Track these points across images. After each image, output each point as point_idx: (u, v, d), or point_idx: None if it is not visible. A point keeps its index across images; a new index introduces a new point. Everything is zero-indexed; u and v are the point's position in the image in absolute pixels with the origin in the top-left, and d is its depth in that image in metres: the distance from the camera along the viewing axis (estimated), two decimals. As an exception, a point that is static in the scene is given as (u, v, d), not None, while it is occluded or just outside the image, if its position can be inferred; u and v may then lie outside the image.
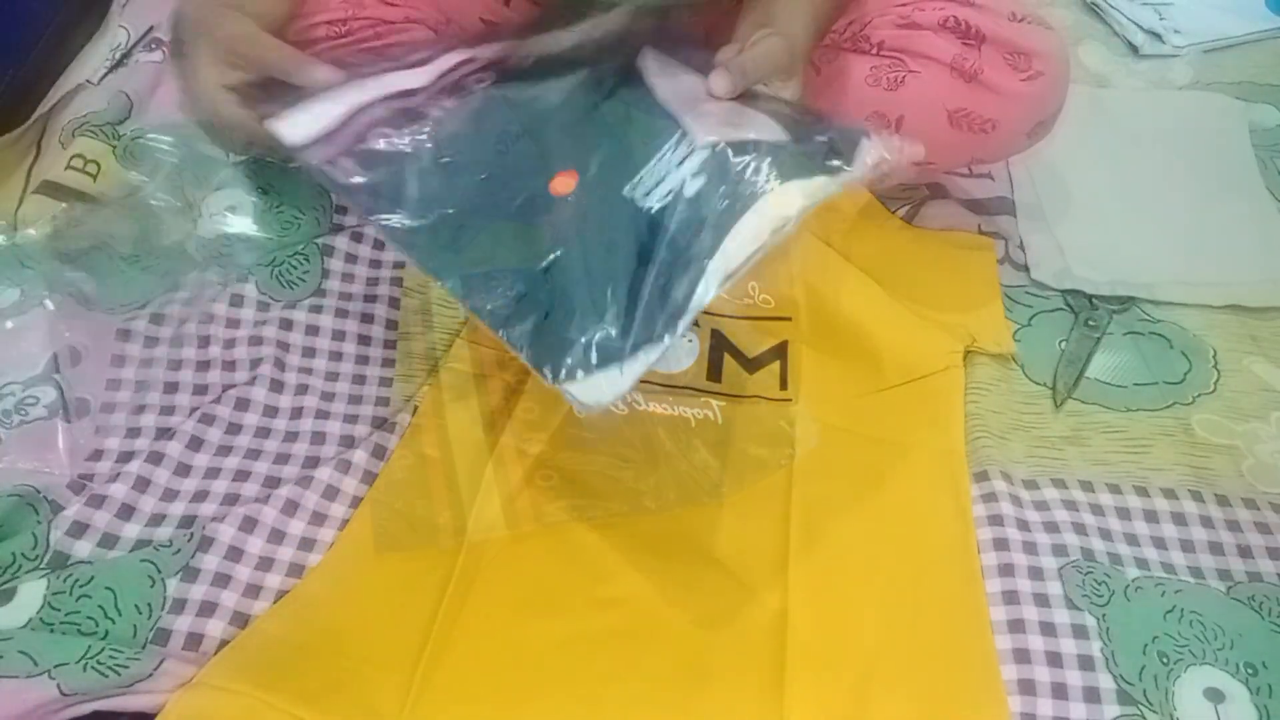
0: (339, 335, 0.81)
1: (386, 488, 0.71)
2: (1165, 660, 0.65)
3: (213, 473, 0.72)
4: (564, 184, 0.52)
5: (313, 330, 0.81)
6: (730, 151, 0.49)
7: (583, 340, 0.47)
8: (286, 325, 0.81)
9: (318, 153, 0.53)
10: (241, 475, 0.72)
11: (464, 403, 0.76)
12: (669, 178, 0.49)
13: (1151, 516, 0.74)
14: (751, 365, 0.81)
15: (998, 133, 0.81)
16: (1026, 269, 0.93)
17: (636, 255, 0.48)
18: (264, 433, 0.75)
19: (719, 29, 0.88)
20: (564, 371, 0.47)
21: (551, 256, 0.49)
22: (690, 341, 0.77)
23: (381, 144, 0.54)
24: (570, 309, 0.47)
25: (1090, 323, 0.87)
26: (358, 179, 0.52)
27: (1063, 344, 0.86)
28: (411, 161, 0.54)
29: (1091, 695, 0.63)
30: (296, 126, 0.54)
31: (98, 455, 0.72)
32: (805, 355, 0.83)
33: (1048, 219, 0.98)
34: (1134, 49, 1.20)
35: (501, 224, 0.51)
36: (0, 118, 0.91)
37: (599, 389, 0.46)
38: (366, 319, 0.83)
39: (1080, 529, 0.73)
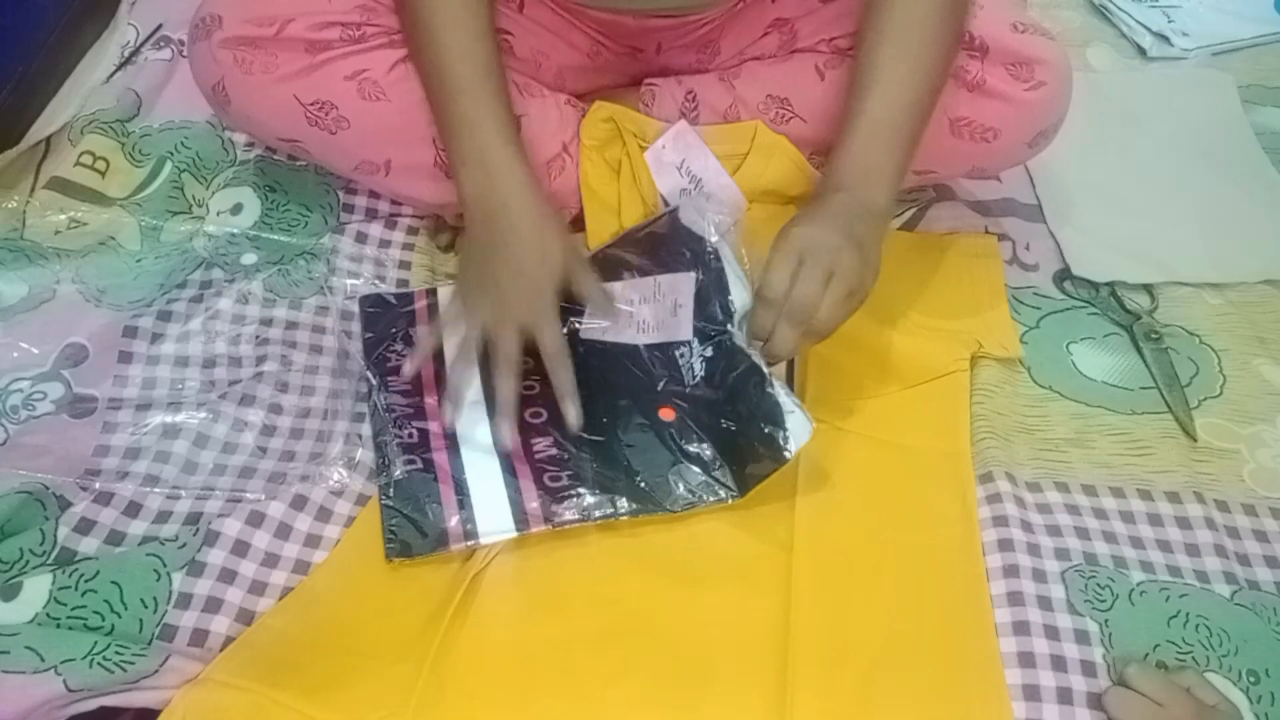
0: (345, 334, 0.81)
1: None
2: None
3: (219, 469, 0.72)
4: (667, 414, 0.74)
5: (319, 329, 0.82)
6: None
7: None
8: (293, 324, 0.81)
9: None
10: (248, 472, 0.72)
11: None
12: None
13: (1156, 520, 0.74)
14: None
15: (999, 142, 0.81)
16: (1035, 270, 0.94)
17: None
18: (270, 430, 0.75)
19: (711, 37, 0.88)
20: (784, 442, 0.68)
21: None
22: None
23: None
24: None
25: (1152, 335, 0.87)
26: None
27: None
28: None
29: (1095, 702, 0.63)
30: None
31: (104, 452, 0.72)
32: (812, 358, 0.83)
33: (1076, 215, 0.98)
34: (1142, 52, 1.21)
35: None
36: (10, 114, 0.91)
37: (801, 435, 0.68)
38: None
39: (1083, 533, 0.73)
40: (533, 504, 0.70)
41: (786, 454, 0.68)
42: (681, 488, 0.71)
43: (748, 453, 0.71)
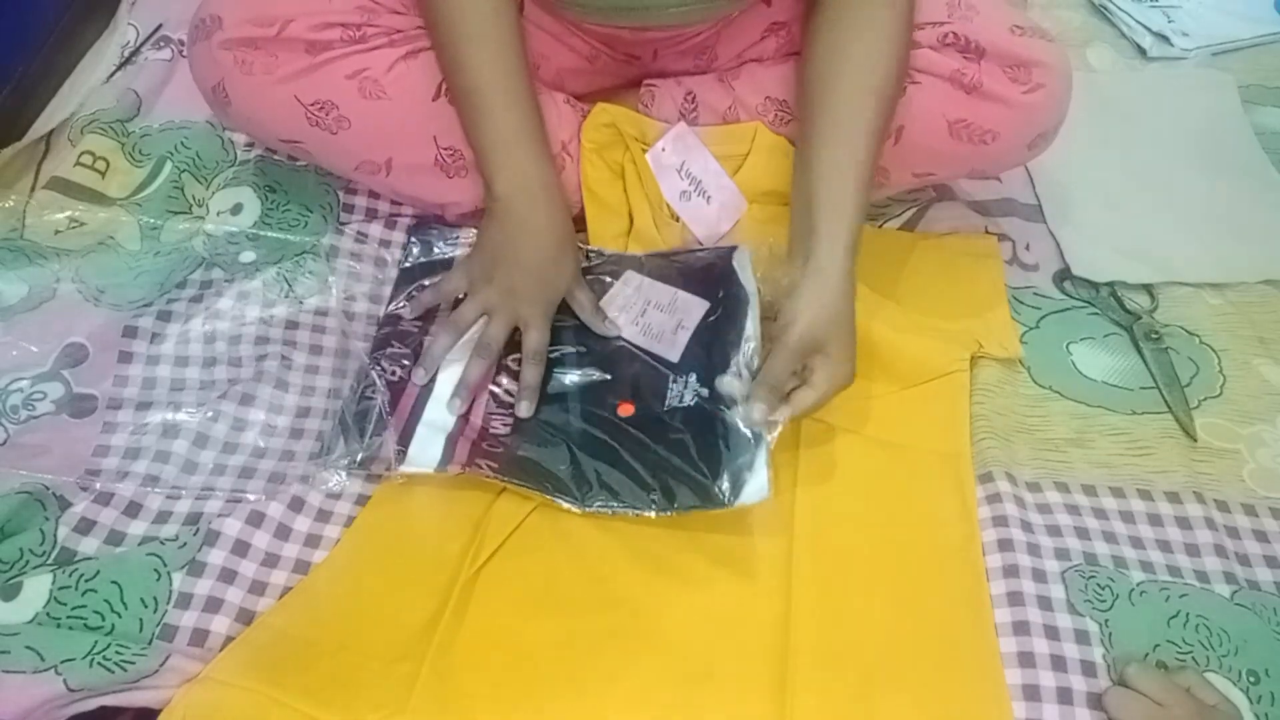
0: (345, 334, 0.81)
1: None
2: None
3: (219, 469, 0.72)
4: (625, 409, 0.75)
5: (319, 329, 0.82)
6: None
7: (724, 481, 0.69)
8: (293, 324, 0.81)
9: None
10: (248, 472, 0.72)
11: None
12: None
13: (1156, 520, 0.74)
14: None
15: (998, 144, 0.81)
16: (1035, 270, 0.94)
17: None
18: (270, 430, 0.75)
19: (708, 44, 0.88)
20: (732, 489, 0.68)
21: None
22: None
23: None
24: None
25: (1152, 335, 0.87)
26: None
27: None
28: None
29: (1095, 702, 0.63)
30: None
31: (104, 452, 0.72)
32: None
33: (1076, 215, 0.98)
34: (1142, 52, 1.21)
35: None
36: (10, 114, 0.91)
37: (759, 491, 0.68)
38: (372, 319, 0.83)
39: (1083, 533, 0.73)
40: (462, 454, 0.72)
41: (728, 503, 0.68)
42: (604, 486, 0.70)
43: (688, 481, 0.69)
